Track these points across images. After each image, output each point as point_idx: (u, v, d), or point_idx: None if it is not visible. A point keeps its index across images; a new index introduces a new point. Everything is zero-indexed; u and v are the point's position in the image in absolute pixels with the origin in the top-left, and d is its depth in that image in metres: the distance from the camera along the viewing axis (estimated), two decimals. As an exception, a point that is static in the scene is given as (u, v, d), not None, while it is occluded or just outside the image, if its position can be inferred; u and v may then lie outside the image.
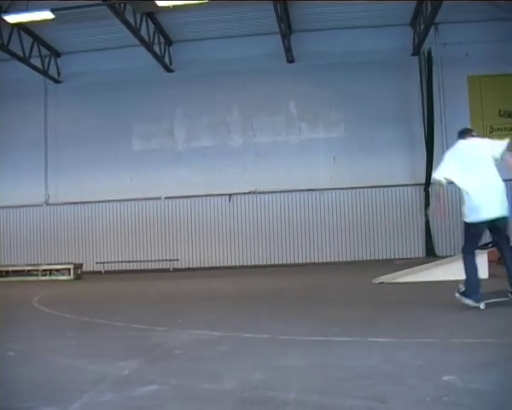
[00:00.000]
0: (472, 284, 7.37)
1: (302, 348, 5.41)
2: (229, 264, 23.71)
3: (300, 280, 15.53)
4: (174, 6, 19.79)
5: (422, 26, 22.46)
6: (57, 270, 20.79)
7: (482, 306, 7.25)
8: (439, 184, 7.78)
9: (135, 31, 21.35)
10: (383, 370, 4.37)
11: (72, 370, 4.73)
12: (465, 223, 7.54)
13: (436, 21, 22.06)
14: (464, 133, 7.85)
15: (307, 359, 4.94)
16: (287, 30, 22.79)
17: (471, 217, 7.37)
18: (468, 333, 5.90)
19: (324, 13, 22.69)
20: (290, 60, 24.45)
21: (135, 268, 23.49)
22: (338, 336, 5.98)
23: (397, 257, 22.40)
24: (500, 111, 24.07)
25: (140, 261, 23.95)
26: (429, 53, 23.20)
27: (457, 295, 7.49)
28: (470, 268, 7.46)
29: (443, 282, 11.74)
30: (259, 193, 24.12)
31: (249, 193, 24.15)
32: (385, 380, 4.06)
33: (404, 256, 22.36)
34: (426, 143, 23.29)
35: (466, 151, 7.62)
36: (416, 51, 23.93)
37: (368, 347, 5.40)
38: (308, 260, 23.14)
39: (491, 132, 23.92)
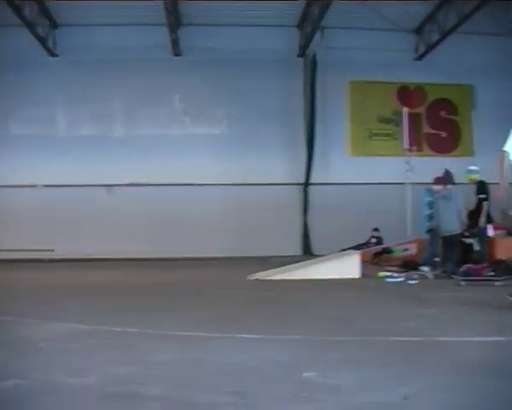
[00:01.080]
0: None
1: (171, 343, 5.42)
2: (108, 256, 23.21)
3: (176, 275, 15.52)
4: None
5: (309, 29, 22.94)
6: None
7: None
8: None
9: (17, 11, 20.49)
10: (249, 366, 4.43)
11: None
12: None
13: (322, 25, 22.62)
14: None
15: (175, 354, 4.94)
16: (175, 22, 22.58)
17: None
18: (335, 331, 6.08)
19: (215, 8, 22.58)
20: (177, 53, 24.27)
21: (6, 258, 22.53)
22: (208, 331, 6.01)
23: (274, 255, 22.71)
24: (379, 117, 24.96)
25: (12, 250, 22.99)
26: (314, 56, 23.76)
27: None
28: None
29: (317, 280, 12.09)
30: (139, 185, 23.83)
31: (129, 185, 23.80)
32: (249, 376, 4.12)
33: (282, 254, 22.70)
34: (306, 143, 23.86)
35: None
36: (302, 53, 24.42)
37: (236, 343, 5.45)
38: (186, 255, 22.99)
39: (370, 137, 24.83)
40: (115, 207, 23.90)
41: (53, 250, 23.20)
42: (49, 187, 23.88)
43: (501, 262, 12.22)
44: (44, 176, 23.67)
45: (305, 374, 4.11)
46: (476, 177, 14.26)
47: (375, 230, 22.34)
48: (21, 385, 3.87)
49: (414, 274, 12.95)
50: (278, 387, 3.84)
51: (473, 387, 3.91)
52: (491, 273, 11.53)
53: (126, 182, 23.81)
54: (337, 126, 24.61)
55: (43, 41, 23.29)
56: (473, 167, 14.69)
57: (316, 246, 23.82)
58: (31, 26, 21.87)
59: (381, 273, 13.41)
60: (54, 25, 24.18)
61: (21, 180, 23.53)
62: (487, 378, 4.12)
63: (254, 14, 22.98)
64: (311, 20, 22.55)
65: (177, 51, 24.14)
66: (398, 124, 23.10)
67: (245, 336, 5.69)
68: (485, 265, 12.11)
